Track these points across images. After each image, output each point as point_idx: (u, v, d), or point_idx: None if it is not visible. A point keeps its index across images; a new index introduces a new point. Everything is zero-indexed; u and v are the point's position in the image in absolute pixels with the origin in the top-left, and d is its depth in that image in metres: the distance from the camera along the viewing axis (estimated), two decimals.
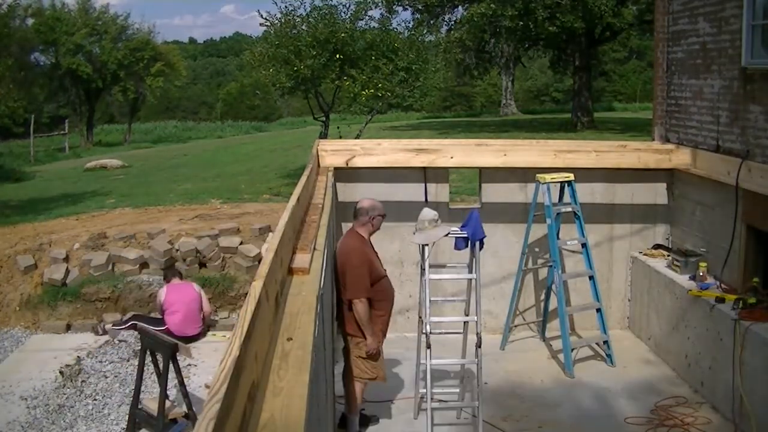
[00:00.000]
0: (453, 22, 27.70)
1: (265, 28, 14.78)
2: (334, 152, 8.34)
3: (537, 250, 8.51)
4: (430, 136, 23.99)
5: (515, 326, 8.50)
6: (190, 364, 8.07)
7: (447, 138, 18.56)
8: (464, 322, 6.60)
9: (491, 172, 8.48)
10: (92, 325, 9.34)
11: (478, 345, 6.05)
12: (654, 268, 8.02)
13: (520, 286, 8.47)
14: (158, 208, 13.24)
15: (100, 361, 8.31)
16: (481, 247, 6.24)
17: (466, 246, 6.34)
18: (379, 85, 13.58)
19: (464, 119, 36.93)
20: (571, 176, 7.83)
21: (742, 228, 7.02)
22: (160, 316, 8.77)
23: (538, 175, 7.79)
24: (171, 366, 6.33)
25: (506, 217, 8.52)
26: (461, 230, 6.33)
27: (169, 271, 9.23)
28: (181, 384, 6.51)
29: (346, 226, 8.39)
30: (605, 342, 7.84)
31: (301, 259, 4.06)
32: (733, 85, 7.20)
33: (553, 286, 7.99)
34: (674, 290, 7.47)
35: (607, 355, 7.80)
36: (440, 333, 6.58)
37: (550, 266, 8.02)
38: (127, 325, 8.75)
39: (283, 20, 14.27)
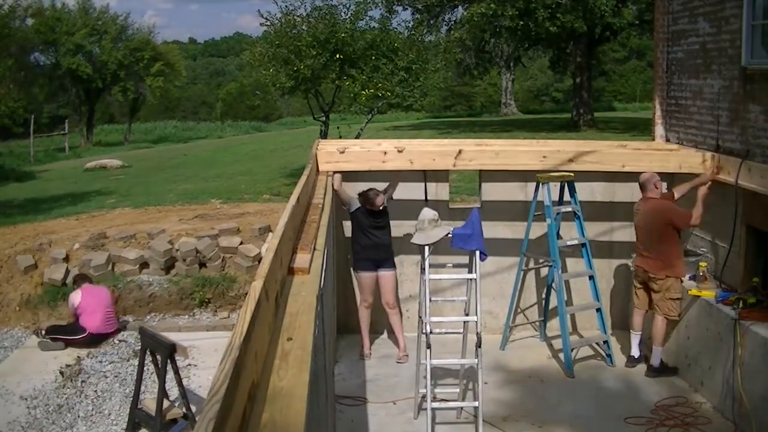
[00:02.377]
0: (453, 22, 27.69)
1: (265, 28, 14.80)
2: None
3: (537, 249, 8.50)
4: (431, 135, 23.99)
5: (515, 326, 8.50)
6: (190, 364, 8.07)
7: (448, 138, 18.56)
8: (464, 322, 6.60)
9: (491, 171, 8.47)
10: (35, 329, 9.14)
11: (478, 345, 6.05)
12: None
13: (521, 286, 8.47)
14: (158, 208, 13.25)
15: (100, 361, 8.31)
16: (482, 260, 6.24)
17: (463, 246, 6.33)
18: (379, 85, 13.58)
19: (465, 119, 36.97)
20: (571, 175, 7.83)
21: (742, 228, 7.02)
22: (73, 322, 8.78)
23: (538, 174, 7.79)
24: (170, 366, 6.32)
25: (506, 216, 8.51)
26: (460, 231, 6.32)
27: (80, 277, 9.20)
28: (180, 384, 6.51)
29: (347, 225, 8.41)
30: (605, 342, 7.84)
31: (301, 259, 4.06)
32: (733, 85, 7.20)
33: (554, 285, 8.00)
34: None
35: (607, 354, 7.80)
36: (440, 333, 6.58)
37: (550, 266, 8.03)
38: (50, 339, 8.62)
39: (283, 20, 14.27)
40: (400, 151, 8.11)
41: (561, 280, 7.77)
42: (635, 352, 7.55)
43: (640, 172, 8.16)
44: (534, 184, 7.91)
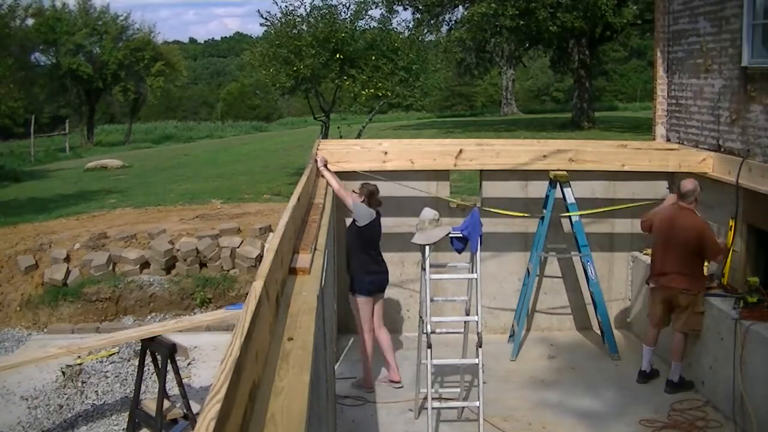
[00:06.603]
0: (453, 22, 27.68)
1: (265, 27, 14.81)
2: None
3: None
4: (434, 135, 23.97)
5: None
6: (190, 363, 8.07)
7: (451, 137, 18.53)
8: (465, 322, 6.60)
9: (492, 170, 8.47)
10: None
11: (479, 345, 6.05)
12: None
13: (530, 288, 8.34)
14: (159, 208, 13.25)
15: (101, 361, 8.31)
16: (480, 243, 6.23)
17: (464, 247, 6.33)
18: (379, 84, 13.58)
19: (468, 119, 36.96)
20: (564, 174, 7.86)
21: (742, 227, 7.02)
22: None
23: (553, 172, 7.81)
24: (170, 366, 6.32)
25: (506, 216, 8.50)
26: (460, 231, 6.32)
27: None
28: (180, 384, 6.50)
29: (349, 223, 8.39)
30: (607, 338, 7.88)
31: (302, 259, 4.06)
32: (733, 85, 7.20)
33: (591, 278, 7.98)
34: None
35: (610, 351, 7.85)
36: (441, 333, 6.58)
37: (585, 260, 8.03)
38: None
39: (283, 20, 14.28)
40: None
41: (596, 273, 7.95)
42: (646, 366, 7.27)
43: (640, 171, 8.17)
44: (534, 183, 7.92)
